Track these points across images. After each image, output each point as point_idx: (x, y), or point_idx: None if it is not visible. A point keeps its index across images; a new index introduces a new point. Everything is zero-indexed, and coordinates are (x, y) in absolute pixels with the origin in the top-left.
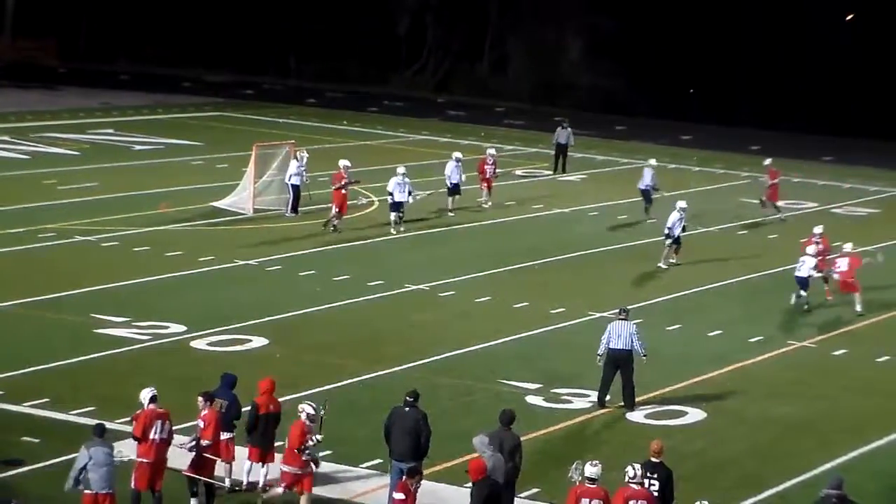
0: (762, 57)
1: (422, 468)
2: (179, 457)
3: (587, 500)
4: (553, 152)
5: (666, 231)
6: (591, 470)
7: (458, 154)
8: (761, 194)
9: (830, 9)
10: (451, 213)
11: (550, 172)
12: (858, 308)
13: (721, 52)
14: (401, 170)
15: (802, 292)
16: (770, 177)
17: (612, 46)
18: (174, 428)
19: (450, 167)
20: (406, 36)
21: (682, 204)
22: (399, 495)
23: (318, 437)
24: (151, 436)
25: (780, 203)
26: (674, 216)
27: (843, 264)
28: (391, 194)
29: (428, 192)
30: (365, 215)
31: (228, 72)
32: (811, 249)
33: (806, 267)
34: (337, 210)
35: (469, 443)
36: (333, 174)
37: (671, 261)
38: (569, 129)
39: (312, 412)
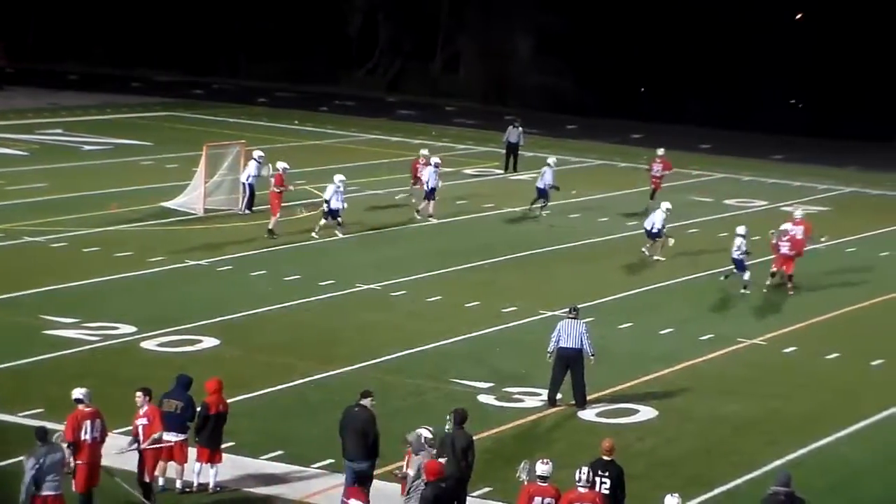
0: (712, 56)
1: (373, 470)
2: (119, 458)
3: (539, 498)
4: (504, 151)
5: (654, 231)
6: (542, 468)
7: (436, 159)
8: (652, 184)
9: (780, 8)
10: (431, 219)
11: (501, 171)
12: (789, 272)
13: (671, 50)
14: (338, 177)
15: (740, 274)
16: (664, 167)
17: (561, 45)
18: (127, 428)
19: (427, 172)
20: (357, 35)
21: (667, 205)
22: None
23: (409, 471)
24: (83, 436)
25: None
26: (659, 216)
27: (798, 232)
28: (327, 202)
29: (405, 194)
30: (315, 216)
31: (178, 71)
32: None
33: (734, 248)
34: (276, 215)
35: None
36: (275, 175)
37: (649, 254)
38: (520, 128)
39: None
